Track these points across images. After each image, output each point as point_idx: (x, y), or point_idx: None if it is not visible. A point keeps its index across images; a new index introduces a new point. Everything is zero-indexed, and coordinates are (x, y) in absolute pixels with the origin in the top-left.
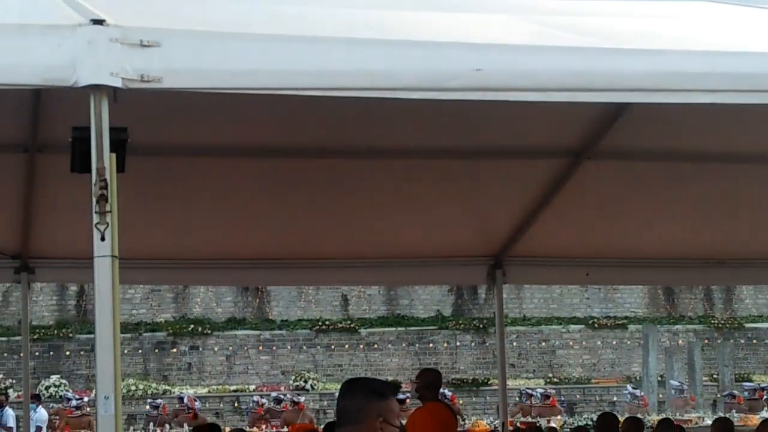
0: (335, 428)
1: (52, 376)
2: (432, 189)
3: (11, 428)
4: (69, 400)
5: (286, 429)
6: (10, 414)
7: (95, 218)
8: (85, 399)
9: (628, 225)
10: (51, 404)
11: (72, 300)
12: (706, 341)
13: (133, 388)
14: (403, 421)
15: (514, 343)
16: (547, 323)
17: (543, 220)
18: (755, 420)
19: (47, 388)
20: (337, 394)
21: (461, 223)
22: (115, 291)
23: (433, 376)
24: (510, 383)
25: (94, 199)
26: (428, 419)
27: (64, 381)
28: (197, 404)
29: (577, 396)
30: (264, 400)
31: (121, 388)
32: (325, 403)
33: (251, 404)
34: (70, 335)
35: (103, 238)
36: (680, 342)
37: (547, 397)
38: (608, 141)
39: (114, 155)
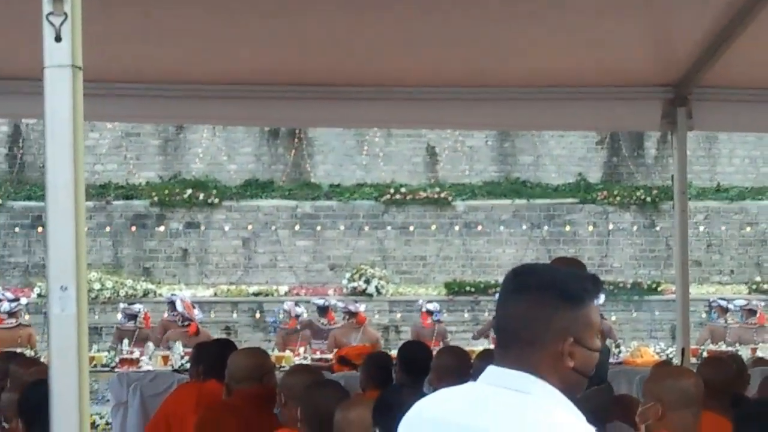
0: (496, 348)
1: None
2: None
3: None
4: None
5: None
6: None
7: (46, 6)
8: (23, 301)
9: None
10: None
11: (1, 147)
12: None
13: (98, 286)
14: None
15: (702, 228)
16: (756, 196)
17: (754, 31)
18: None
19: None
20: (422, 302)
21: (622, 33)
22: (77, 121)
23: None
24: (694, 290)
25: None
26: None
27: None
28: (197, 313)
29: None
30: (301, 309)
31: (86, 278)
32: (398, 315)
33: (281, 315)
34: (0, 202)
35: (58, 38)
36: None
37: (752, 312)
38: None
39: None
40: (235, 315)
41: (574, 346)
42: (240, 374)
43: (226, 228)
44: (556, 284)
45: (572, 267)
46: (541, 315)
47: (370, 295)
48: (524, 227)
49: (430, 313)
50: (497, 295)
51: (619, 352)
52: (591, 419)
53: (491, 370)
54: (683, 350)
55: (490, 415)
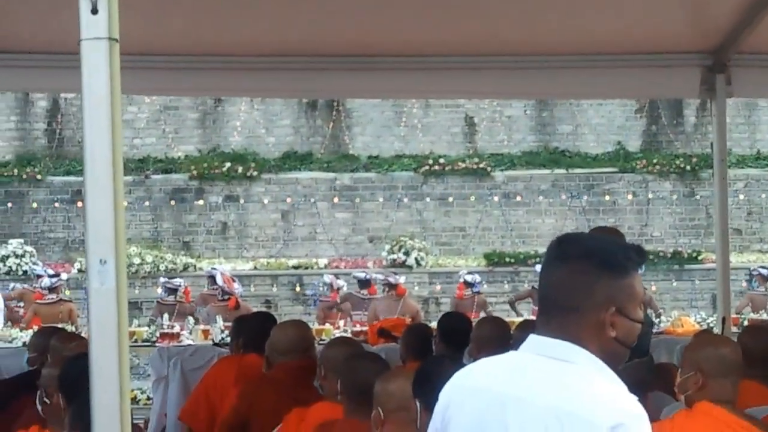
0: (538, 316)
1: (11, 241)
2: None
3: None
4: (39, 276)
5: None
6: None
7: None
8: (63, 276)
9: None
10: (11, 284)
11: (41, 122)
12: None
13: (137, 260)
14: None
15: (741, 196)
16: None
17: None
18: None
19: (4, 258)
20: (464, 274)
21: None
22: (114, 95)
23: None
24: (734, 259)
25: None
26: None
27: (30, 248)
28: (237, 287)
29: None
30: (341, 282)
31: (125, 251)
32: (438, 287)
33: (321, 288)
34: (39, 177)
35: (95, 10)
36: None
37: None
38: None
39: None
40: (274, 288)
41: (615, 315)
42: (285, 347)
43: (265, 201)
44: (600, 253)
45: (611, 236)
46: (583, 283)
47: (410, 267)
48: (563, 197)
49: (468, 284)
50: (537, 266)
51: (660, 322)
52: (631, 390)
53: (533, 338)
54: (723, 319)
55: (533, 383)
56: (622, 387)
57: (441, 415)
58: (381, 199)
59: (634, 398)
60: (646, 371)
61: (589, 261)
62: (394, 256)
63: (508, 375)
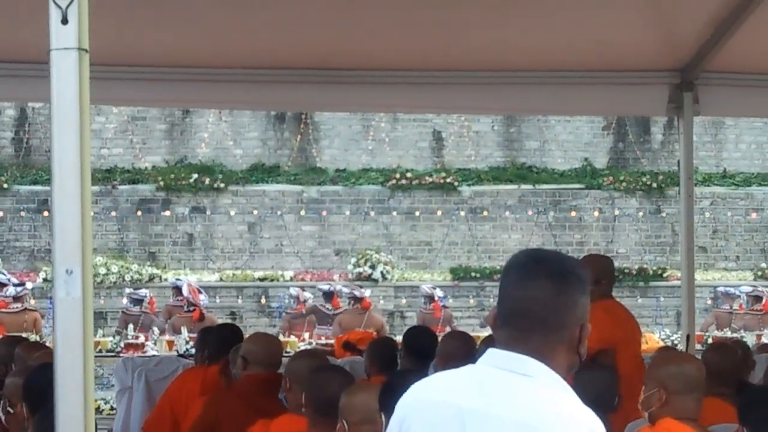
0: (503, 329)
1: None
2: None
3: None
4: (4, 285)
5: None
6: None
7: None
8: (29, 285)
9: None
10: None
11: (8, 131)
12: None
13: (103, 271)
14: None
15: (707, 214)
16: (762, 182)
17: (760, 15)
18: None
19: None
20: (429, 288)
21: (628, 17)
22: (83, 105)
23: (605, 265)
24: (699, 277)
25: None
26: (604, 317)
27: None
28: (203, 298)
29: None
30: (307, 294)
31: (91, 261)
32: (404, 300)
33: (287, 300)
34: (5, 185)
35: (65, 20)
36: None
37: (758, 298)
38: None
39: None
40: (240, 300)
41: (584, 331)
42: (265, 358)
43: (232, 213)
44: (576, 270)
45: (604, 261)
46: (568, 300)
47: (376, 281)
48: (530, 213)
49: (439, 299)
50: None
51: None
52: (598, 401)
53: (491, 352)
54: (688, 336)
55: (492, 397)
56: (578, 401)
57: (398, 427)
58: (348, 213)
59: (592, 413)
60: (611, 382)
61: (569, 278)
62: (360, 270)
63: (467, 388)
